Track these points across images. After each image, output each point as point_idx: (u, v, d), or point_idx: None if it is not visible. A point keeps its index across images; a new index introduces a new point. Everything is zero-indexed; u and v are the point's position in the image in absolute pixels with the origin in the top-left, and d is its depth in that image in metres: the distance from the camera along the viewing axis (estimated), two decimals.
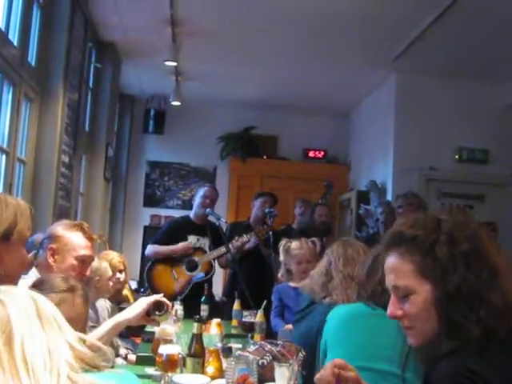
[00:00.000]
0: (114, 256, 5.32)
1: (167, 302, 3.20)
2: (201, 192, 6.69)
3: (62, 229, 3.35)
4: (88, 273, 3.41)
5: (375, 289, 2.88)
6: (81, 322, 2.36)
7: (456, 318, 1.70)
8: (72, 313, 2.32)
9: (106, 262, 4.86)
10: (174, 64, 7.66)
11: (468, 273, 1.72)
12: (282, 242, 5.48)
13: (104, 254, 5.47)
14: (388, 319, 2.60)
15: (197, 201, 6.66)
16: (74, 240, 3.31)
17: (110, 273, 4.77)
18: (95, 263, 4.66)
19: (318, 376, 1.92)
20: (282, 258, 5.44)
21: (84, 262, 3.34)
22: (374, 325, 2.89)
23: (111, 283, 4.85)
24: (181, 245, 6.43)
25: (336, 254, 3.82)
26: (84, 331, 2.38)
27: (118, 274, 5.29)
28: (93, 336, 2.86)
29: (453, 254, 1.75)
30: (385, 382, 2.68)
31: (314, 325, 3.47)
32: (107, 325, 3.13)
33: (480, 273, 1.72)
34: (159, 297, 3.20)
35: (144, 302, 3.18)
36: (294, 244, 5.35)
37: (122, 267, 5.38)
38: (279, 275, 5.55)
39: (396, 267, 1.83)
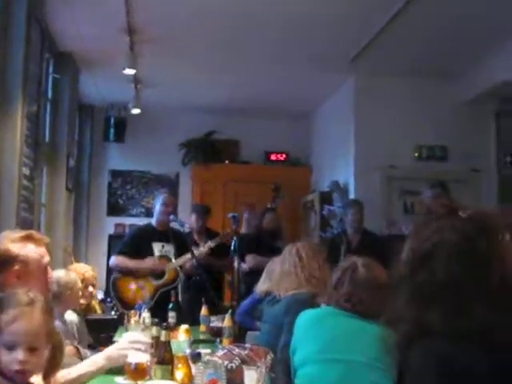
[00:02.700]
0: (87, 269, 5.33)
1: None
2: (160, 200, 6.75)
3: (12, 245, 3.13)
4: (56, 287, 3.37)
5: (339, 299, 3.17)
6: (42, 333, 2.37)
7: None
8: (32, 326, 2.33)
9: (75, 274, 4.85)
10: (133, 72, 7.61)
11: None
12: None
13: (76, 266, 5.47)
14: (359, 321, 3.03)
15: (158, 208, 6.73)
16: (34, 255, 3.15)
17: (79, 284, 4.76)
18: (64, 276, 4.64)
19: None
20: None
21: (46, 268, 3.27)
22: (346, 323, 3.06)
23: (81, 293, 4.84)
24: (148, 262, 6.44)
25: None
26: (46, 341, 2.39)
27: (90, 288, 5.30)
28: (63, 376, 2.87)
29: None
30: (356, 374, 2.79)
31: (281, 307, 4.23)
32: (82, 369, 3.07)
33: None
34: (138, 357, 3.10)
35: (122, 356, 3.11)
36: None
37: (94, 281, 5.39)
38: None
39: None
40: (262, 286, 5.01)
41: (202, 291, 6.32)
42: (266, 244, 7.27)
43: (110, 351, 3.18)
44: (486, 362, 1.64)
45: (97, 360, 3.13)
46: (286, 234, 8.05)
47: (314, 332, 3.18)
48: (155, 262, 6.44)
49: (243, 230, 8.03)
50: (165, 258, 6.53)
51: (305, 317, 3.29)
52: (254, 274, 6.56)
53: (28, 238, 3.19)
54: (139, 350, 3.08)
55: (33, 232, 3.31)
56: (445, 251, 1.80)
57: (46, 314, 2.41)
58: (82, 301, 5.18)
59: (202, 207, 7.90)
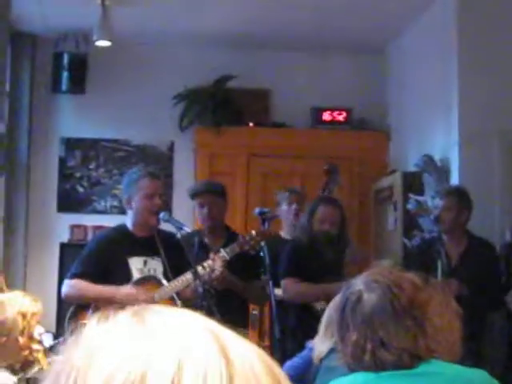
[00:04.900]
0: (23, 300, 5.12)
1: None
2: (138, 187, 6.53)
3: None
4: None
5: (354, 351, 3.09)
6: None
7: None
8: None
9: (13, 309, 4.71)
10: None
11: None
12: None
13: (6, 297, 5.27)
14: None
15: (136, 202, 6.51)
16: None
17: (20, 326, 4.64)
18: None
19: None
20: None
21: None
22: None
23: (21, 340, 4.70)
24: (120, 292, 6.26)
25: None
26: None
27: (34, 331, 5.10)
28: None
29: None
30: None
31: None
32: None
33: None
34: None
35: None
36: None
37: (38, 319, 5.17)
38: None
39: None
40: (321, 346, 4.70)
41: None
42: (320, 258, 7.25)
43: None
44: None
45: None
46: None
47: None
48: (131, 290, 6.26)
49: (283, 232, 8.10)
50: (152, 280, 6.41)
51: None
52: (297, 309, 6.43)
53: None
54: None
55: None
56: None
57: None
58: (24, 352, 4.98)
59: (213, 186, 7.65)
